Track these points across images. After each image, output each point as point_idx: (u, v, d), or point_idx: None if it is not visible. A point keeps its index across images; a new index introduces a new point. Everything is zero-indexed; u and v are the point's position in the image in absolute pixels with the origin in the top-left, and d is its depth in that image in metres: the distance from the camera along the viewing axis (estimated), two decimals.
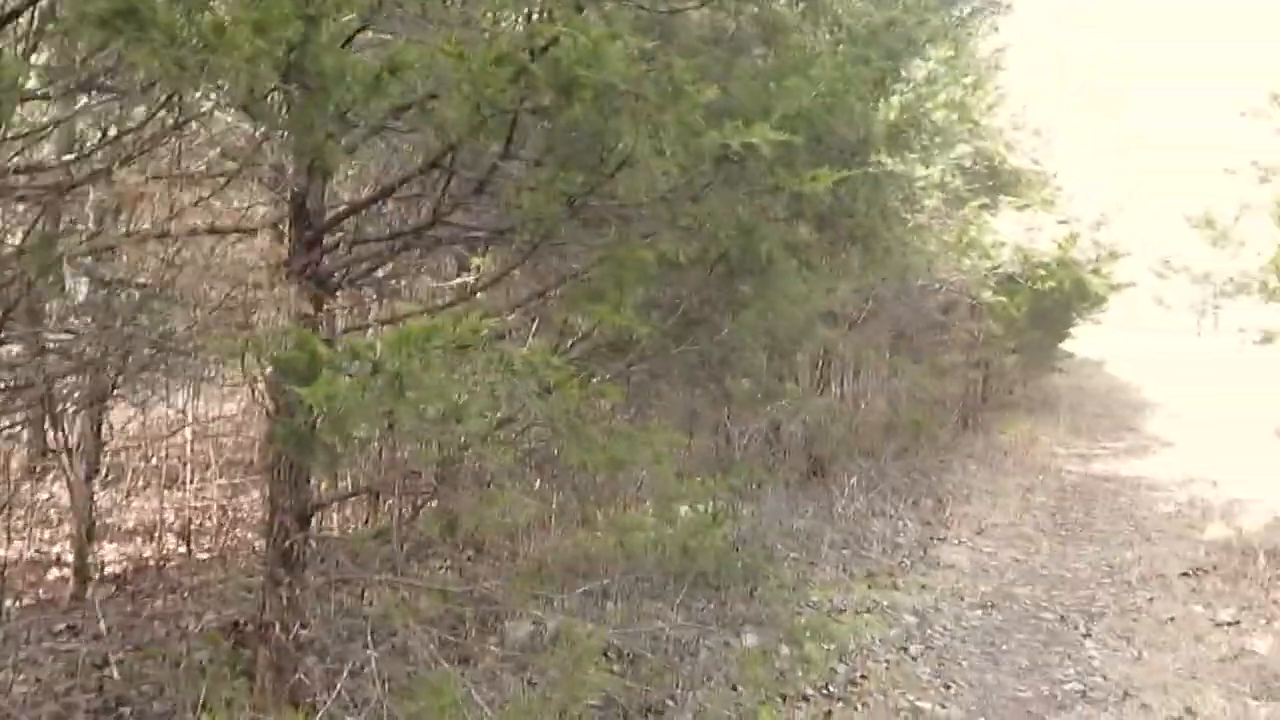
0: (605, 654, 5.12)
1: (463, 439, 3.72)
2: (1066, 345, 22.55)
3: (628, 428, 4.15)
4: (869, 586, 7.25)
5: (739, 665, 5.48)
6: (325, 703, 3.96)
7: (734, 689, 5.28)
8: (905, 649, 6.04)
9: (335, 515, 6.35)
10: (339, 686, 4.03)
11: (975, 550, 8.61)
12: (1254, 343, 18.29)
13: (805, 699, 5.25)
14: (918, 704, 5.26)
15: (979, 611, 6.93)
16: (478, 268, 4.81)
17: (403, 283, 5.96)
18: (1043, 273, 13.90)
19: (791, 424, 10.23)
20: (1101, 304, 21.24)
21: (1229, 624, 6.34)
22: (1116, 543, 8.93)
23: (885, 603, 6.86)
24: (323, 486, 5.77)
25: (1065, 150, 17.65)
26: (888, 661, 5.81)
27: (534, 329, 5.13)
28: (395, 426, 3.33)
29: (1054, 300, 15.80)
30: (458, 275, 5.46)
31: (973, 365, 14.13)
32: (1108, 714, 5.10)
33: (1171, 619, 6.42)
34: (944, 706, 5.25)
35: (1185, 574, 7.47)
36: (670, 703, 5.05)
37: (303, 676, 4.01)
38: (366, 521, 6.28)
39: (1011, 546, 8.82)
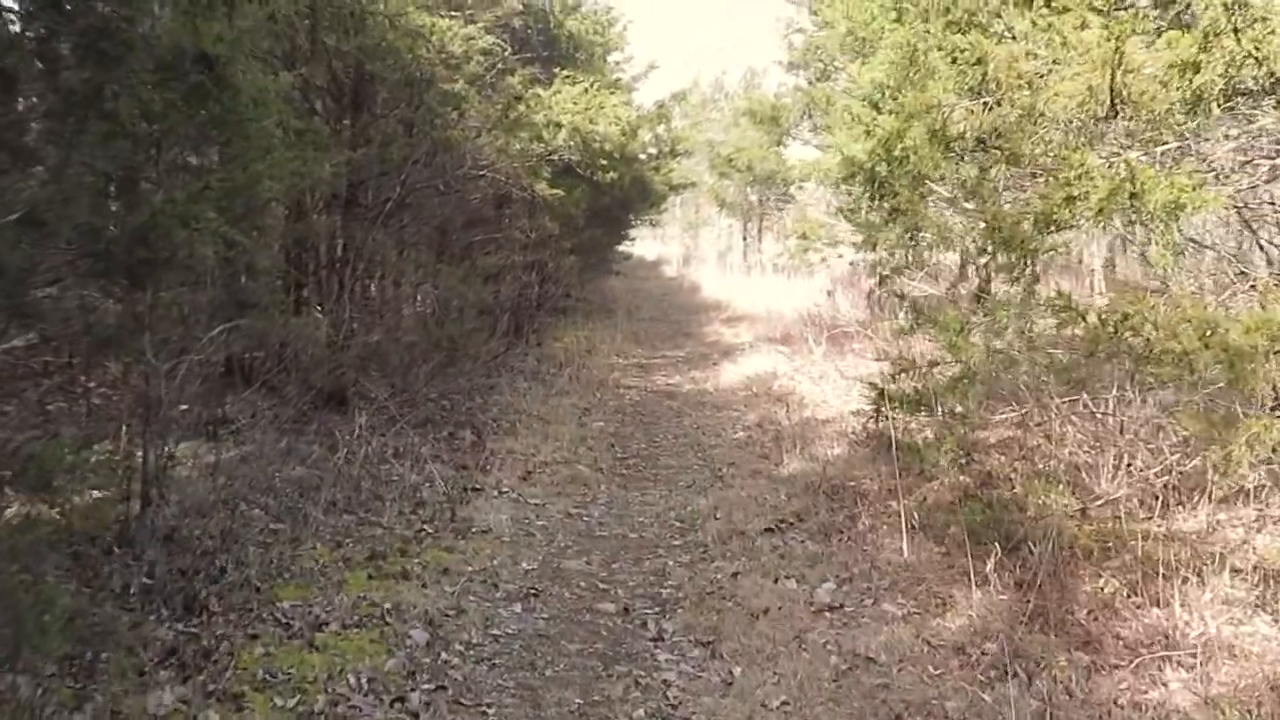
0: None
1: None
2: (623, 246, 21.64)
3: None
4: (370, 575, 5.17)
5: None
6: None
7: None
8: (403, 700, 4.00)
9: None
10: None
11: (520, 503, 6.77)
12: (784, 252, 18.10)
13: None
14: None
15: (517, 607, 5.06)
16: None
17: None
18: (604, 163, 12.26)
19: (299, 342, 7.93)
20: (661, 202, 20.44)
21: (830, 608, 4.89)
22: (685, 484, 7.44)
23: (388, 605, 4.79)
24: None
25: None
26: None
27: None
28: None
29: (613, 197, 14.39)
30: None
31: (527, 267, 12.35)
32: None
33: (765, 611, 4.86)
34: None
35: (769, 529, 6.04)
36: None
37: None
38: None
39: (564, 494, 7.07)
